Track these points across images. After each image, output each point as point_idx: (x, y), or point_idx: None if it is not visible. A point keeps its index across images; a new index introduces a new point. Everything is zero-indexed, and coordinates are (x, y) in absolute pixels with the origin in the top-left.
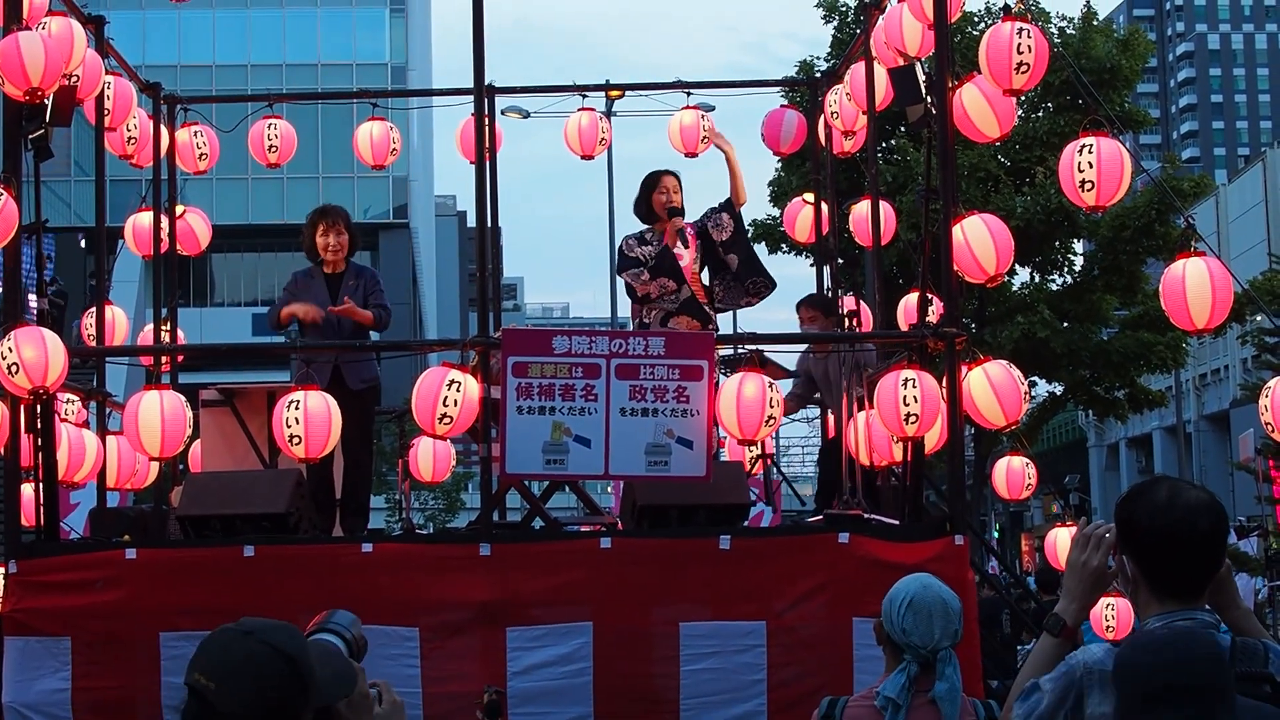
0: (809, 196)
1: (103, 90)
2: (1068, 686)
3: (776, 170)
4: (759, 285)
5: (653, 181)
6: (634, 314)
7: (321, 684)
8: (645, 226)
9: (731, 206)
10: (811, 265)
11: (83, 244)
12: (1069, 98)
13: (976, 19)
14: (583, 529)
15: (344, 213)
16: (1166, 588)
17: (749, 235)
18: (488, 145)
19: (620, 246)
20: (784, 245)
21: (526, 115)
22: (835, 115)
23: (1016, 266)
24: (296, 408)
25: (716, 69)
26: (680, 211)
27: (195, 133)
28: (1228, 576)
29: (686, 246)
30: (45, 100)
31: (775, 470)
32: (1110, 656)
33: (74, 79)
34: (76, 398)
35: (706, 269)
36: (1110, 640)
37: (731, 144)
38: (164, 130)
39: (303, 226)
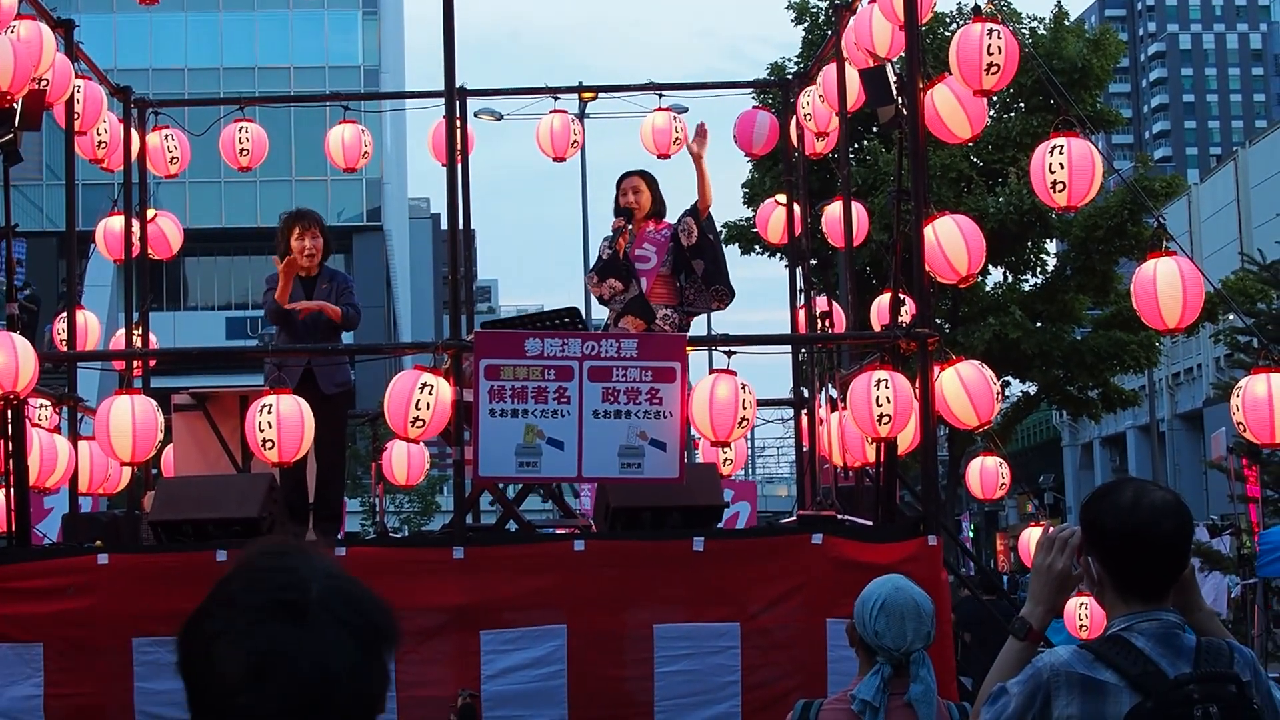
0: (781, 198)
1: (73, 94)
2: (1034, 689)
3: (749, 172)
4: (721, 293)
5: (617, 184)
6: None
7: None
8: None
9: (697, 213)
10: (784, 266)
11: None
12: (1041, 98)
13: (947, 20)
14: (557, 531)
15: (319, 217)
16: (1132, 588)
17: (721, 238)
18: (460, 148)
19: (598, 247)
20: (757, 246)
21: (499, 118)
22: (809, 117)
23: (989, 267)
24: (269, 411)
25: (693, 74)
26: (627, 212)
27: (166, 136)
28: (1192, 579)
29: (654, 247)
30: (14, 104)
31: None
32: (1076, 658)
33: (43, 83)
34: (48, 403)
35: (683, 271)
36: (1083, 639)
37: (704, 151)
38: (135, 134)
39: (277, 229)
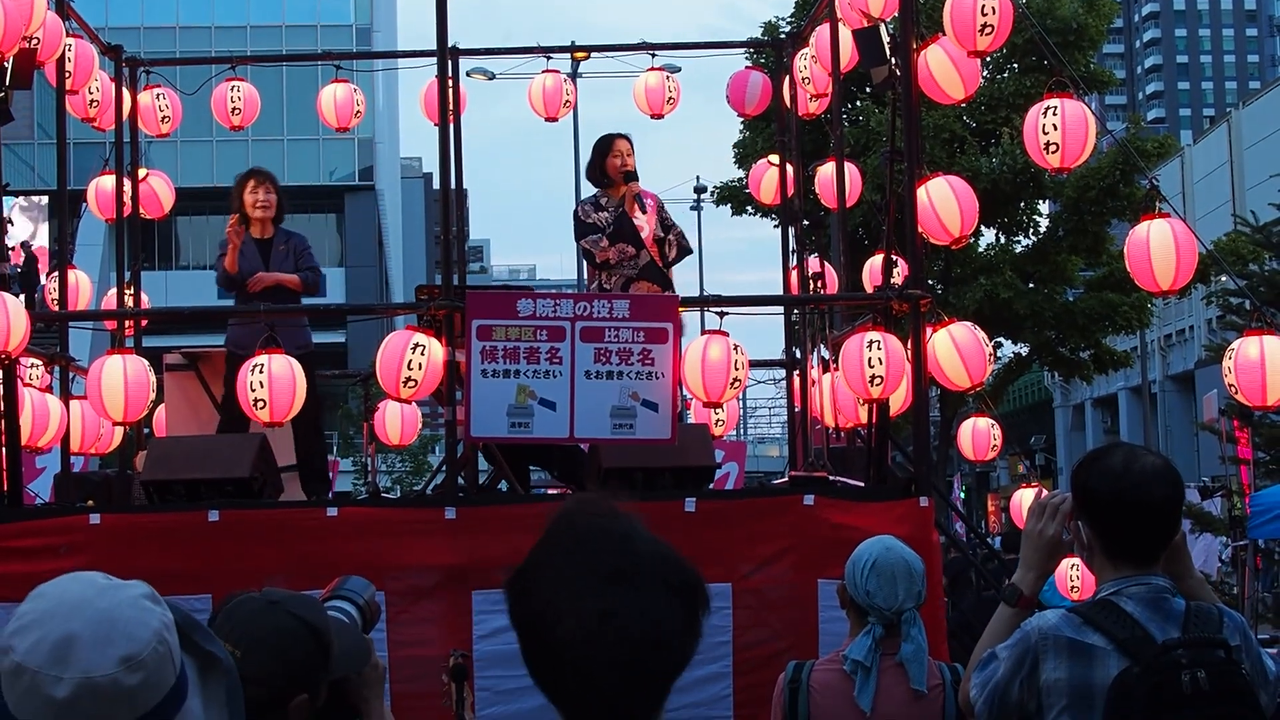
0: (774, 158)
1: (64, 53)
2: (1023, 653)
3: (741, 132)
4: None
5: (606, 145)
6: (591, 278)
7: (337, 657)
8: (598, 190)
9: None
10: (776, 227)
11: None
12: (1034, 58)
13: None
14: (549, 492)
15: (273, 175)
16: (1121, 553)
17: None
18: (452, 107)
19: (575, 212)
20: (749, 207)
21: (491, 77)
22: (806, 80)
23: (982, 228)
24: (261, 371)
25: (689, 32)
26: (635, 176)
27: (158, 95)
28: (1182, 544)
29: (645, 213)
30: (5, 63)
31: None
32: (1065, 622)
33: (34, 42)
34: (40, 362)
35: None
36: (1074, 600)
37: None
38: (126, 93)
39: (231, 188)
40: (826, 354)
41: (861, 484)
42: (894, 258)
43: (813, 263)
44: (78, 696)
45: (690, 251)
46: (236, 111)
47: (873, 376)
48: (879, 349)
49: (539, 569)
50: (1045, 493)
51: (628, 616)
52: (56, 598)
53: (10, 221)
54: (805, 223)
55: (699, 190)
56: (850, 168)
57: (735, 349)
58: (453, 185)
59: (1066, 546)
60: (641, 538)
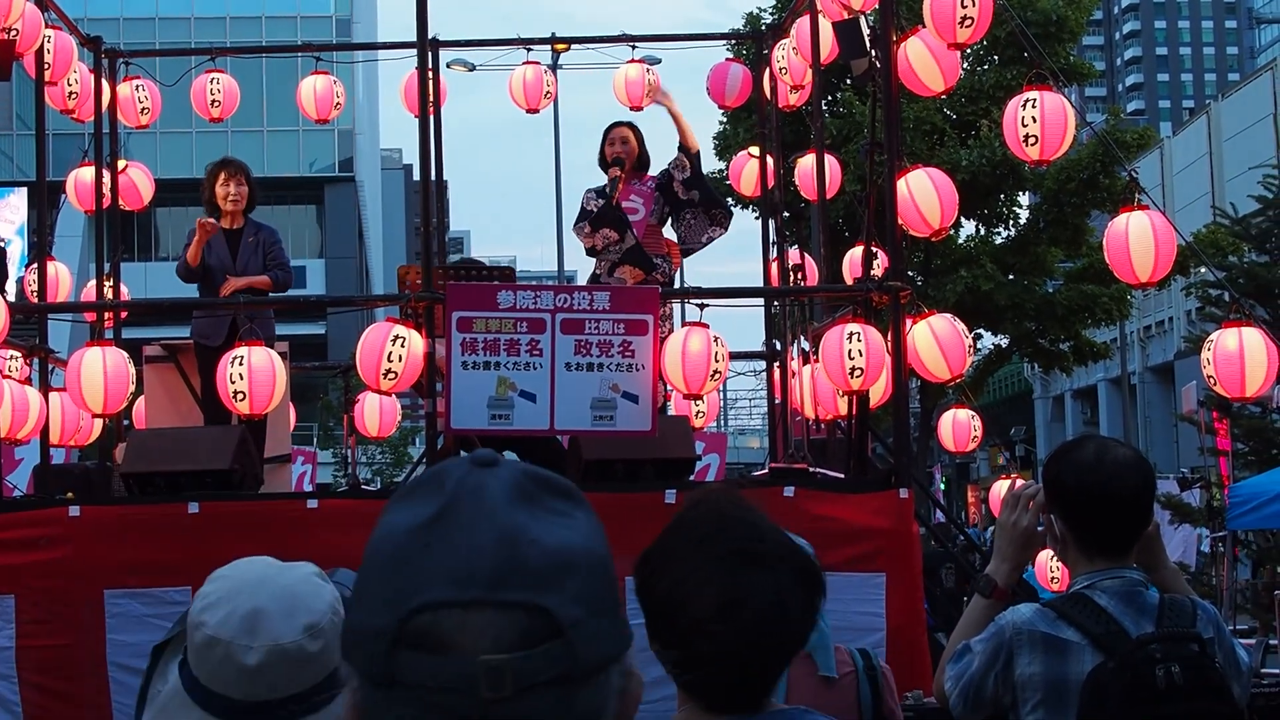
0: (754, 150)
1: (43, 44)
2: (997, 648)
3: (722, 124)
4: (720, 216)
5: (605, 133)
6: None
7: None
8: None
9: (687, 150)
10: (757, 219)
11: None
12: (1014, 51)
13: None
14: None
15: (245, 166)
16: (1094, 545)
17: (705, 177)
18: (432, 99)
19: (582, 199)
20: (729, 199)
21: (471, 68)
22: (784, 70)
23: (962, 219)
24: (240, 364)
25: (674, 22)
26: (619, 162)
27: (137, 86)
28: (1156, 536)
29: (643, 196)
30: None
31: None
32: (1039, 616)
33: (13, 33)
34: (19, 354)
35: (672, 217)
36: (1055, 591)
37: (671, 95)
38: (105, 84)
39: (202, 179)
40: (807, 346)
41: (842, 476)
42: (874, 249)
43: (793, 254)
44: (268, 663)
45: (718, 199)
46: (216, 103)
47: (853, 368)
48: (859, 341)
49: (671, 552)
50: (1020, 483)
51: (759, 595)
52: (238, 578)
53: None
54: (785, 214)
55: None
56: (830, 160)
57: (715, 341)
58: (433, 176)
59: (1041, 538)
60: (767, 526)
